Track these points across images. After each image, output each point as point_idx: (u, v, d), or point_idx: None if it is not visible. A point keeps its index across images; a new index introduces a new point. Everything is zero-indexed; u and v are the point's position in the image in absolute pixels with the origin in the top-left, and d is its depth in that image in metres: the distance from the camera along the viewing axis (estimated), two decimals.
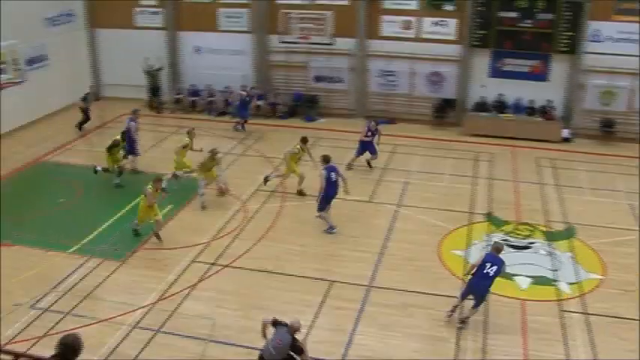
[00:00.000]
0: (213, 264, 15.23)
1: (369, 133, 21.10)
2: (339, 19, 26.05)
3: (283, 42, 26.73)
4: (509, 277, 14.95)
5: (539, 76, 25.38)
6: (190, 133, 20.17)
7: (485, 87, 25.62)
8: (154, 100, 27.94)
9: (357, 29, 26.07)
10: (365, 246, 16.23)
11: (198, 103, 27.99)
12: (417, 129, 25.28)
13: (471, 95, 25.89)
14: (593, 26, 24.51)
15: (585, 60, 24.74)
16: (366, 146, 21.15)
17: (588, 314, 13.73)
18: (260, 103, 27.17)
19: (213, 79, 27.55)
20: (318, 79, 27.23)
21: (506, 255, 15.67)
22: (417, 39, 25.77)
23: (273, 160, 21.58)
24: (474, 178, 20.77)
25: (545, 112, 25.01)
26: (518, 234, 17.15)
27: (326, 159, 16.97)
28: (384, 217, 17.89)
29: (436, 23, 25.56)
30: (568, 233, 17.38)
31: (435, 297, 14.03)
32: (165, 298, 13.80)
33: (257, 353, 10.76)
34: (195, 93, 28.05)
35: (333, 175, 16.71)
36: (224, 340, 12.44)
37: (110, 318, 13.03)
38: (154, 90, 28.07)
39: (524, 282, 14.89)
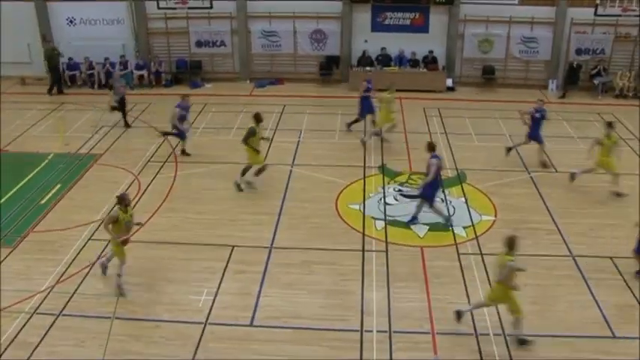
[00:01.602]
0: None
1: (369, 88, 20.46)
2: None
3: (161, 8, 25.92)
4: (407, 226, 15.30)
5: (420, 27, 25.85)
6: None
7: (368, 41, 25.79)
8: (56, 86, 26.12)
9: None
10: (263, 208, 16.14)
11: (77, 77, 26.78)
12: (304, 88, 25.30)
13: (354, 51, 26.01)
14: None
15: (462, 10, 25.36)
16: (365, 102, 20.54)
17: (484, 254, 14.23)
18: (142, 72, 26.37)
19: (92, 51, 26.38)
20: (200, 44, 26.66)
21: (402, 205, 16.20)
22: None
23: (163, 128, 21.03)
24: (364, 132, 20.97)
25: (428, 63, 25.51)
26: (411, 184, 17.51)
27: (432, 146, 15.26)
28: (279, 178, 17.82)
29: None
30: (459, 179, 17.91)
31: (335, 252, 14.16)
32: (63, 281, 13.26)
33: (165, 326, 10.52)
34: (73, 67, 26.75)
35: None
36: (131, 317, 12.11)
37: (6, 307, 12.40)
38: (56, 74, 26.10)
39: (421, 230, 15.24)
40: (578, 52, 26.07)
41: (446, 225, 15.38)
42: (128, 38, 26.63)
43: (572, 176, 17.66)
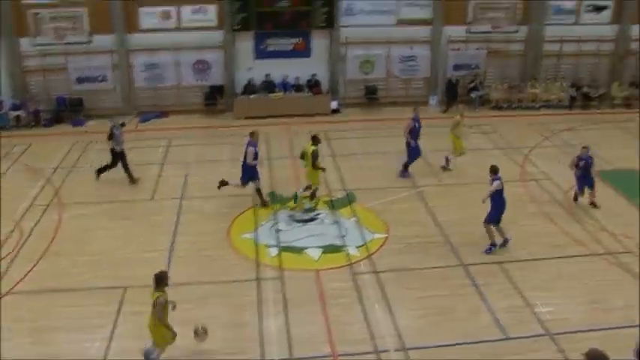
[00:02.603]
0: None
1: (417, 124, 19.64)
2: (94, 15, 24.96)
3: (37, 45, 25.12)
4: (301, 251, 15.38)
5: (303, 52, 26.20)
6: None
7: (252, 69, 25.86)
8: None
9: (115, 24, 25.12)
10: (154, 245, 15.78)
11: None
12: (189, 119, 25.07)
13: (238, 79, 26.03)
14: (346, 1, 25.68)
15: (343, 33, 25.88)
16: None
17: (378, 272, 14.47)
18: (19, 113, 25.39)
19: None
20: (81, 80, 25.94)
21: (295, 230, 16.22)
22: (179, 29, 25.39)
23: (43, 170, 20.30)
24: None
25: (312, 86, 25.84)
26: (303, 208, 17.58)
27: (495, 169, 15.52)
28: (169, 212, 17.51)
29: (196, 11, 25.31)
30: (349, 199, 18.15)
31: (230, 284, 14.03)
32: None
33: None
34: None
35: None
36: None
37: None
38: None
39: (315, 253, 15.33)
40: (456, 67, 27.11)
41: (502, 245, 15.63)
42: (1, 77, 25.58)
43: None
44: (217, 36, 25.51)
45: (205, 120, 25.11)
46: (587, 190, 17.99)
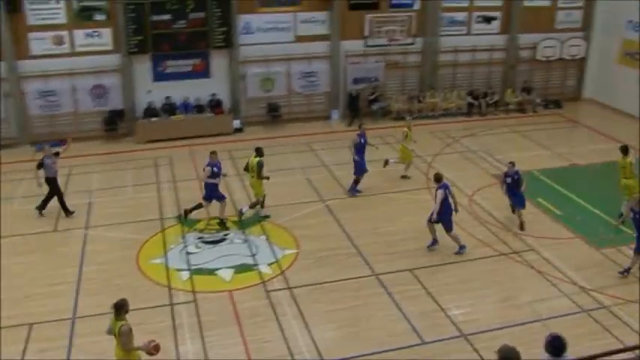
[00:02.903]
0: None
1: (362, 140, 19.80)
2: None
3: None
4: (212, 272, 15.19)
5: (202, 73, 25.96)
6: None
7: (152, 92, 25.42)
8: None
9: (3, 51, 24.11)
10: (60, 278, 15.13)
11: None
12: (90, 146, 24.24)
13: (138, 103, 25.52)
14: (243, 20, 25.66)
15: (242, 52, 25.83)
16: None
17: (291, 288, 14.44)
18: None
19: None
20: None
21: (205, 251, 16.02)
22: (73, 53, 24.60)
23: None
24: (157, 184, 20.57)
25: (213, 107, 25.64)
26: (211, 229, 17.39)
27: (437, 178, 16.00)
28: (73, 243, 16.85)
29: (90, 35, 24.64)
30: (258, 217, 18.05)
31: (142, 311, 13.57)
32: None
33: None
34: None
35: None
36: None
37: None
38: None
39: (227, 274, 15.16)
40: (355, 81, 27.47)
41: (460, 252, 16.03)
42: None
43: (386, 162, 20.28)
44: (114, 59, 24.92)
45: (106, 146, 24.42)
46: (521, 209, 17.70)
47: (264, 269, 15.33)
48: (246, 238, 16.91)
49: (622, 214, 16.85)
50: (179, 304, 13.97)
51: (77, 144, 23.93)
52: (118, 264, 15.67)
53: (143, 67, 25.34)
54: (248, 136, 25.09)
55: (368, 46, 27.08)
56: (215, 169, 17.36)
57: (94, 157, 23.10)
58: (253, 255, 16.00)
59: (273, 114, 26.61)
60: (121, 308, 10.41)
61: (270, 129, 26.10)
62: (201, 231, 17.28)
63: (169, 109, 25.31)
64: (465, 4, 28.21)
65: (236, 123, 25.79)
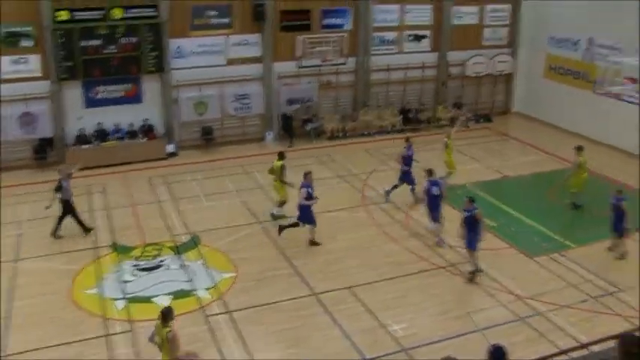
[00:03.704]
0: None
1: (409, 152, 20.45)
2: None
3: None
4: (149, 300, 14.91)
5: (134, 98, 25.57)
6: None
7: (83, 118, 24.91)
8: None
9: None
10: None
11: None
12: (19, 175, 23.48)
13: (69, 130, 24.97)
14: (175, 44, 25.49)
15: (174, 76, 25.62)
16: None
17: (231, 312, 14.29)
18: None
19: None
20: None
21: (141, 279, 15.74)
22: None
23: None
24: (90, 212, 20.09)
25: (146, 132, 25.31)
26: (147, 256, 17.10)
27: (430, 172, 17.89)
28: (3, 277, 16.15)
29: (16, 61, 24.02)
30: (194, 242, 17.85)
31: (78, 343, 13.31)
32: None
33: None
34: None
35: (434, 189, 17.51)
36: None
37: None
38: None
39: (164, 300, 14.85)
40: (289, 102, 27.51)
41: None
42: None
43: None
44: (43, 86, 24.33)
45: (36, 175, 23.75)
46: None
47: (203, 294, 15.14)
48: (183, 264, 16.68)
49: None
50: (115, 334, 13.66)
51: (6, 174, 23.24)
52: (51, 296, 15.19)
53: (74, 93, 24.80)
54: (182, 160, 24.85)
55: (301, 67, 27.18)
56: (310, 190, 17.42)
57: (24, 187, 22.39)
58: (190, 280, 15.79)
59: (207, 137, 26.41)
60: (167, 315, 10.87)
61: (205, 152, 25.90)
62: (136, 258, 16.97)
63: (101, 135, 24.85)
64: (396, 24, 28.68)
65: (170, 147, 25.50)
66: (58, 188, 18.16)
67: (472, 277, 15.65)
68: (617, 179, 21.71)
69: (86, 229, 18.57)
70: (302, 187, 17.44)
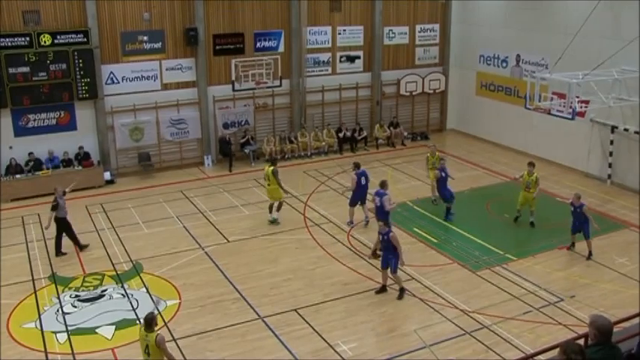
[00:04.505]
0: None
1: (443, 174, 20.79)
2: None
3: None
4: (92, 331, 14.54)
5: (68, 125, 25.03)
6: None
7: (13, 147, 24.21)
8: None
9: None
10: None
11: None
12: None
13: (1, 160, 24.24)
14: (107, 69, 25.13)
15: (108, 102, 25.22)
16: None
17: (176, 339, 14.01)
18: None
19: None
20: None
21: (83, 310, 15.34)
22: None
23: None
24: (26, 244, 19.50)
25: (81, 159, 24.78)
26: (88, 286, 16.67)
27: (357, 165, 20.22)
28: None
29: None
30: (136, 270, 17.52)
31: None
32: None
33: None
34: None
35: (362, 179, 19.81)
36: None
37: None
38: None
39: (108, 331, 14.55)
40: (225, 125, 27.41)
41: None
42: None
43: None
44: None
45: None
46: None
47: None
48: (125, 293, 16.32)
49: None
50: None
51: None
52: None
53: (3, 121, 24.09)
54: (120, 187, 24.42)
55: (236, 90, 27.09)
56: (377, 197, 18.50)
57: None
58: (135, 309, 15.45)
59: (145, 163, 26.04)
60: (151, 321, 11.10)
61: (143, 179, 25.50)
62: (77, 289, 16.51)
63: (34, 164, 24.18)
64: (328, 46, 28.94)
65: (106, 175, 25.03)
66: (54, 207, 18.43)
67: (400, 294, 15.74)
68: (551, 191, 22.37)
69: (82, 246, 18.88)
70: (379, 196, 18.38)
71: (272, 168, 20.25)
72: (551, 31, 25.41)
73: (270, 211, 20.64)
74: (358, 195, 20.16)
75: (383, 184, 18.65)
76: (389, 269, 15.74)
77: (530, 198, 19.69)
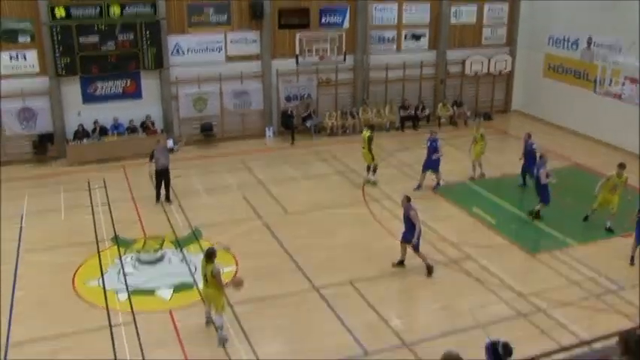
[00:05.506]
0: None
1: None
2: None
3: None
4: (151, 292, 14.94)
5: (134, 94, 25.58)
6: None
7: (81, 114, 24.87)
8: None
9: None
10: None
11: None
12: (19, 170, 23.49)
13: (69, 125, 24.96)
14: (173, 40, 25.52)
15: (173, 72, 25.64)
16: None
17: (232, 304, 14.24)
18: None
19: None
20: None
21: (143, 271, 15.73)
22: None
23: None
24: (91, 207, 20.08)
25: (146, 127, 25.30)
26: (148, 249, 17.08)
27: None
28: (4, 268, 16.09)
29: (14, 57, 23.97)
30: (195, 236, 17.87)
31: (82, 334, 13.31)
32: None
33: None
34: None
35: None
36: None
37: None
38: None
39: (166, 293, 14.94)
40: (288, 99, 27.57)
41: None
42: None
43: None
44: (42, 82, 24.32)
45: (37, 169, 23.74)
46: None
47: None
48: (184, 257, 16.69)
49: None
50: (118, 325, 13.66)
51: (6, 168, 23.23)
52: (53, 288, 15.21)
53: (72, 88, 24.81)
54: (183, 155, 24.84)
55: (300, 64, 27.19)
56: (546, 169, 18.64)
57: (25, 181, 22.40)
58: (192, 273, 15.80)
59: (207, 133, 26.44)
60: (211, 254, 12.72)
61: (205, 148, 25.91)
62: (138, 251, 16.96)
63: (101, 130, 24.83)
64: (394, 23, 28.72)
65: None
66: (151, 157, 20.11)
67: (428, 271, 15.70)
68: None
69: (169, 199, 20.36)
70: (541, 170, 18.51)
71: (369, 133, 21.45)
72: (628, 10, 24.52)
73: (368, 172, 21.85)
74: (430, 162, 20.99)
75: (541, 158, 19.10)
76: (410, 246, 15.65)
77: (613, 200, 18.01)
